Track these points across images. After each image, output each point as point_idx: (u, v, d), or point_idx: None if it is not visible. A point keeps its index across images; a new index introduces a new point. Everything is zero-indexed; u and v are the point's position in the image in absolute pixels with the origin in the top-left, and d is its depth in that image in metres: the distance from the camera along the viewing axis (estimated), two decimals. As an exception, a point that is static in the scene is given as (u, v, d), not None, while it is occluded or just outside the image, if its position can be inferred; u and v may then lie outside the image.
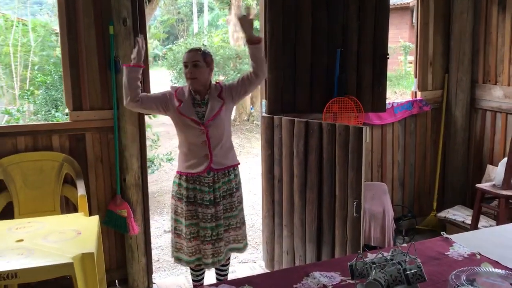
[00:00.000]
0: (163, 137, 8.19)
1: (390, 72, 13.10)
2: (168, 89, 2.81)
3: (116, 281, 3.34)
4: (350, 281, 1.62)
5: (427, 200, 4.25)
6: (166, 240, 4.65)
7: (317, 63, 3.44)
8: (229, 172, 2.79)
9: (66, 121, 3.20)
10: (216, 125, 2.69)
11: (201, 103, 2.72)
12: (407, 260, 1.42)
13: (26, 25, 8.94)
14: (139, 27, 3.11)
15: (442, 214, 3.95)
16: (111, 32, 3.02)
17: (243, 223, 2.90)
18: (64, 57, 3.04)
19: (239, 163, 2.87)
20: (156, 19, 19.81)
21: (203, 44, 9.82)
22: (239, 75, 9.31)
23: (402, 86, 12.72)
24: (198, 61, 2.64)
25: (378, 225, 3.61)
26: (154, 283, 3.39)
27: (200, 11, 21.60)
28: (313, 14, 3.39)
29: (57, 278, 3.11)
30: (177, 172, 2.81)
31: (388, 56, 3.44)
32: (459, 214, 3.87)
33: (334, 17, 3.41)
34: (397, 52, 13.81)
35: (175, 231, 2.82)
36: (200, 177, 2.71)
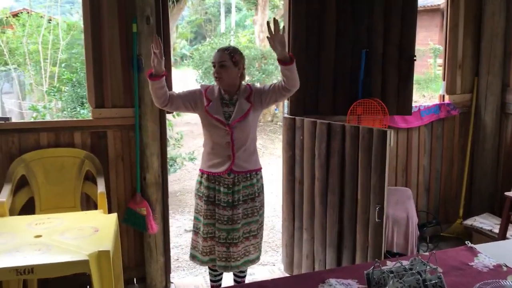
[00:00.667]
0: (187, 136, 8.22)
1: (419, 75, 12.86)
2: (198, 87, 2.81)
3: (135, 279, 3.35)
4: (368, 290, 1.56)
5: (453, 207, 4.13)
6: (187, 239, 4.64)
7: (341, 65, 3.38)
8: (251, 176, 2.75)
9: (88, 118, 3.21)
10: (241, 127, 2.67)
11: (229, 103, 2.70)
12: (427, 270, 1.35)
13: (53, 22, 9.11)
14: (163, 26, 3.11)
15: (469, 221, 3.82)
16: (134, 30, 3.03)
17: (261, 228, 2.87)
18: (87, 54, 3.05)
19: (261, 168, 2.84)
20: (184, 19, 19.99)
21: (229, 44, 9.82)
22: (264, 76, 9.30)
23: (431, 89, 12.48)
24: (224, 61, 2.62)
25: (402, 231, 3.52)
26: (172, 282, 3.38)
27: (228, 11, 21.68)
28: (338, 16, 3.34)
29: (76, 274, 3.14)
30: (200, 170, 2.81)
31: (415, 58, 3.36)
32: (487, 222, 3.74)
33: (359, 18, 3.34)
34: (426, 55, 13.54)
35: (194, 229, 2.84)
36: (221, 177, 2.70)
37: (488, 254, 1.88)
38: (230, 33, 11.93)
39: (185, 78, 11.58)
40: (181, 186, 6.49)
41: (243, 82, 2.77)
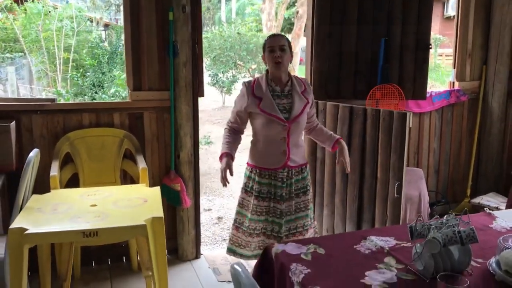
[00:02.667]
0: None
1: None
2: (241, 88, 2.76)
3: (167, 251, 3.58)
4: (405, 244, 1.82)
5: (461, 187, 4.40)
6: (206, 217, 4.90)
7: (362, 52, 3.59)
8: (302, 170, 2.80)
9: (126, 101, 3.43)
10: (298, 123, 2.69)
11: (281, 94, 2.68)
12: (459, 223, 1.60)
13: (58, 9, 9.24)
14: (196, 14, 3.32)
15: (476, 200, 4.09)
16: (171, 18, 3.23)
17: (311, 225, 2.87)
18: (127, 41, 3.26)
19: (307, 163, 2.90)
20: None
21: (238, 33, 10.00)
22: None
23: (431, 78, 12.71)
24: (284, 45, 2.61)
25: (414, 209, 3.77)
26: (201, 254, 3.63)
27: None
28: (359, 5, 3.54)
29: (114, 245, 3.40)
30: (249, 164, 2.80)
31: (430, 46, 3.58)
32: (493, 200, 4.01)
33: (380, 7, 3.55)
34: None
35: (235, 223, 2.88)
36: (276, 172, 2.72)
37: (505, 219, 2.13)
38: (232, 20, 12.08)
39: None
40: (195, 169, 6.70)
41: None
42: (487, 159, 4.31)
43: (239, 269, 1.32)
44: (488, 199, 4.02)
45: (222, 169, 2.69)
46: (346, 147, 2.85)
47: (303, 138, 2.87)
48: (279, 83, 2.69)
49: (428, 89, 3.90)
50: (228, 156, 2.69)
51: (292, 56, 2.71)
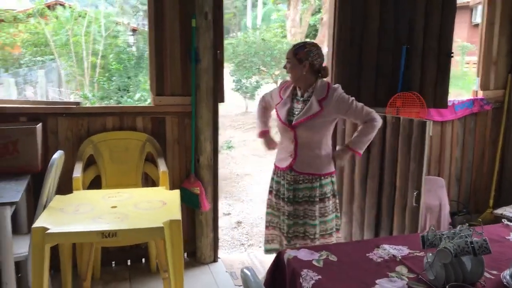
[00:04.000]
0: (219, 128, 8.52)
1: (445, 72, 12.85)
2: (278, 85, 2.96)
3: (185, 253, 3.63)
4: (418, 254, 1.81)
5: (483, 197, 4.33)
6: (225, 222, 4.95)
7: (383, 59, 3.59)
8: (312, 179, 2.73)
9: (149, 105, 3.50)
10: (306, 128, 2.66)
11: (300, 99, 2.74)
12: (472, 234, 1.59)
13: (87, 15, 9.48)
14: (218, 21, 3.37)
15: (499, 211, 4.01)
16: (193, 25, 3.29)
17: (323, 236, 2.78)
18: (151, 47, 3.34)
19: (325, 174, 2.75)
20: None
21: (262, 39, 10.04)
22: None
23: (458, 86, 12.51)
24: (288, 59, 2.71)
25: (434, 218, 3.74)
26: (219, 257, 3.66)
27: (253, 5, 21.87)
28: (381, 12, 3.54)
29: (133, 246, 3.47)
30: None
31: (452, 55, 3.55)
32: (516, 212, 3.93)
33: (401, 15, 3.54)
34: (454, 52, 13.50)
35: (266, 224, 2.95)
36: (284, 172, 2.79)
37: (523, 231, 2.11)
38: (257, 27, 12.15)
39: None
40: (216, 173, 6.77)
41: (323, 80, 2.73)
42: (511, 170, 4.23)
43: (248, 273, 1.35)
44: (511, 210, 3.95)
45: (265, 145, 2.98)
46: (343, 155, 2.83)
47: (326, 149, 2.76)
48: (300, 89, 2.75)
49: (455, 98, 3.85)
50: (265, 133, 2.98)
51: (305, 66, 2.65)
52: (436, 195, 3.81)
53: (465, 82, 12.27)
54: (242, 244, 4.41)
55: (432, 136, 4.07)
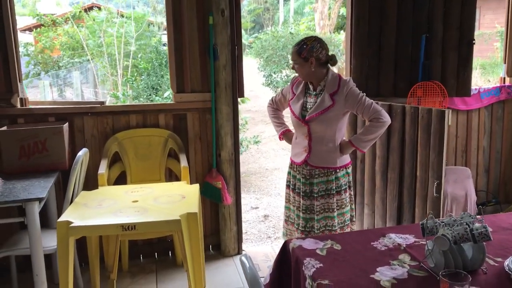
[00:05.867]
0: (250, 123, 8.61)
1: (484, 60, 12.45)
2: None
3: (210, 246, 3.73)
4: (423, 242, 1.82)
5: (513, 188, 4.23)
6: (253, 215, 5.02)
7: (402, 49, 3.56)
8: (327, 172, 2.75)
9: (170, 102, 3.60)
10: (319, 122, 2.68)
11: (312, 93, 2.76)
12: (474, 221, 1.59)
13: (124, 17, 9.73)
14: (235, 18, 3.43)
15: (529, 201, 3.92)
16: (211, 22, 3.36)
17: (341, 228, 2.82)
18: (170, 45, 3.43)
19: (340, 167, 2.77)
20: (243, 8, 20.37)
21: (290, 33, 10.05)
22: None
23: (497, 74, 12.12)
24: (295, 60, 2.70)
25: (460, 208, 3.69)
26: (243, 250, 3.73)
27: (286, -1, 21.80)
28: (399, 2, 3.50)
29: (160, 240, 3.58)
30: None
31: (474, 42, 3.48)
32: (547, 201, 3.82)
33: (420, 3, 3.50)
34: (492, 39, 13.09)
35: (285, 217, 2.98)
36: (300, 167, 2.81)
37: (537, 219, 2.07)
38: (290, 21, 12.14)
39: (246, 67, 11.96)
40: (245, 168, 6.87)
41: (334, 72, 2.73)
42: (543, 158, 4.11)
43: (245, 261, 1.40)
44: (542, 200, 3.84)
45: (290, 142, 2.99)
46: (346, 149, 2.77)
47: (336, 140, 2.75)
48: (314, 83, 2.75)
49: (494, 85, 3.72)
50: (284, 134, 3.01)
51: (312, 63, 2.64)
52: (462, 185, 3.75)
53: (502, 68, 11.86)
54: (269, 237, 4.47)
55: (458, 125, 4.00)
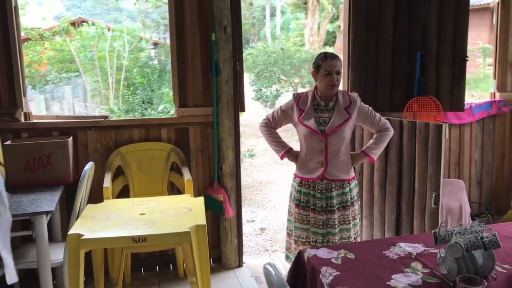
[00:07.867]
0: (241, 137, 8.68)
1: (467, 75, 12.76)
2: (290, 98, 2.95)
3: (211, 259, 3.75)
4: (432, 251, 1.89)
5: (504, 199, 4.34)
6: (249, 228, 5.06)
7: (398, 64, 3.67)
8: (343, 185, 2.83)
9: (173, 116, 3.65)
10: (336, 136, 2.75)
11: (324, 109, 2.81)
12: (483, 230, 1.67)
13: (114, 31, 9.78)
14: (237, 34, 3.51)
15: (520, 212, 4.03)
16: (213, 38, 3.43)
17: (356, 238, 2.93)
18: (173, 60, 3.49)
19: (352, 178, 2.89)
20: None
21: (281, 48, 10.19)
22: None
23: (480, 89, 12.43)
24: (340, 70, 2.73)
25: (455, 220, 3.78)
26: (244, 262, 3.77)
27: (272, 15, 22.03)
28: (395, 19, 3.63)
29: (162, 253, 3.60)
30: (295, 174, 2.96)
31: (467, 59, 3.61)
32: (538, 212, 3.94)
33: (415, 21, 3.62)
34: (475, 55, 13.45)
35: (287, 230, 3.02)
36: (315, 182, 2.83)
37: (537, 228, 2.16)
38: (276, 36, 12.31)
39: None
40: (239, 181, 6.90)
41: (340, 89, 2.83)
42: (532, 170, 4.25)
43: (271, 269, 1.45)
44: (533, 211, 3.96)
45: (294, 161, 2.97)
46: (358, 160, 2.91)
47: (347, 152, 2.86)
48: (325, 99, 2.81)
49: (477, 100, 3.87)
50: (288, 153, 2.95)
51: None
52: (456, 197, 3.85)
53: (487, 84, 12.17)
54: (266, 250, 4.51)
55: (451, 139, 4.12)
